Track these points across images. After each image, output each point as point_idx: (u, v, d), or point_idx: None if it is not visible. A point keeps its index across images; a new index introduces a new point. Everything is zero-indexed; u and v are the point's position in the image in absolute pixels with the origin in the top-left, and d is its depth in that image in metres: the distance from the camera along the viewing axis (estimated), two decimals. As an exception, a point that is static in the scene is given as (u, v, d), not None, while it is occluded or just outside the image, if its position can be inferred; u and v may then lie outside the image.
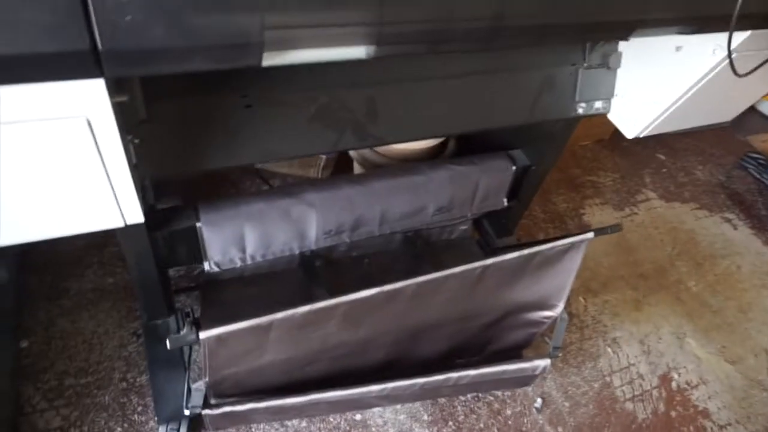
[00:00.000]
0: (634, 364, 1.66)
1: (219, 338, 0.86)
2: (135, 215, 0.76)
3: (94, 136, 0.57)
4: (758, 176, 2.43)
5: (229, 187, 1.82)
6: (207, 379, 0.98)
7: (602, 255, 1.95)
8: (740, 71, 0.91)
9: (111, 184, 0.67)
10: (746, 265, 2.07)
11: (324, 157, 1.85)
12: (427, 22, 0.60)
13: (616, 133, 2.43)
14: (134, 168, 0.77)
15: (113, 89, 0.59)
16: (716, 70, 0.97)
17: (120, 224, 0.75)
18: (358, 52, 0.62)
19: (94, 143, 0.58)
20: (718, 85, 1.00)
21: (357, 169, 1.75)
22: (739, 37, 0.89)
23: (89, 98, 0.53)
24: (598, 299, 1.81)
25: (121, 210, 0.73)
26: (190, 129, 0.83)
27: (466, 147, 1.68)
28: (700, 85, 1.00)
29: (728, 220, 2.23)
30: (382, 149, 1.60)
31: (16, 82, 0.49)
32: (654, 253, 2.02)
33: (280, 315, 0.89)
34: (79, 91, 0.52)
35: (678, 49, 1.01)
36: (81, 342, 1.36)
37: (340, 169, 1.91)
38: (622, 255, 1.98)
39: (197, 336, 0.83)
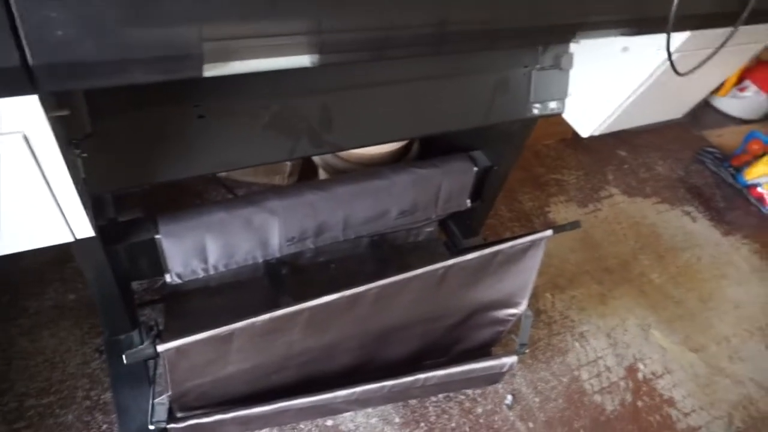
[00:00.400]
0: (601, 357, 1.70)
1: (178, 350, 0.85)
2: (84, 230, 0.75)
3: (32, 151, 0.57)
4: (715, 170, 2.50)
5: (194, 197, 1.80)
6: (170, 393, 0.97)
7: (568, 251, 1.99)
8: (683, 70, 0.95)
9: (55, 199, 0.66)
10: (706, 256, 2.13)
11: (289, 164, 1.85)
12: (370, 30, 0.61)
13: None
14: (83, 182, 0.77)
15: (52, 104, 0.58)
16: (661, 69, 0.99)
17: (69, 239, 0.74)
18: (301, 60, 0.62)
19: (33, 159, 0.58)
20: (664, 83, 1.03)
21: (322, 175, 1.75)
22: (680, 37, 0.92)
23: (24, 114, 0.52)
24: (565, 295, 1.84)
25: (69, 225, 0.72)
26: (141, 141, 0.82)
27: (429, 150, 1.69)
28: (647, 84, 1.03)
29: (688, 213, 2.30)
30: (344, 154, 1.61)
31: (-55, 100, 0.48)
32: (618, 247, 2.07)
33: (240, 324, 0.88)
34: (13, 107, 0.51)
35: (624, 50, 1.04)
36: (42, 361, 1.33)
37: (306, 175, 1.91)
38: (587, 251, 2.02)
39: (155, 349, 0.82)
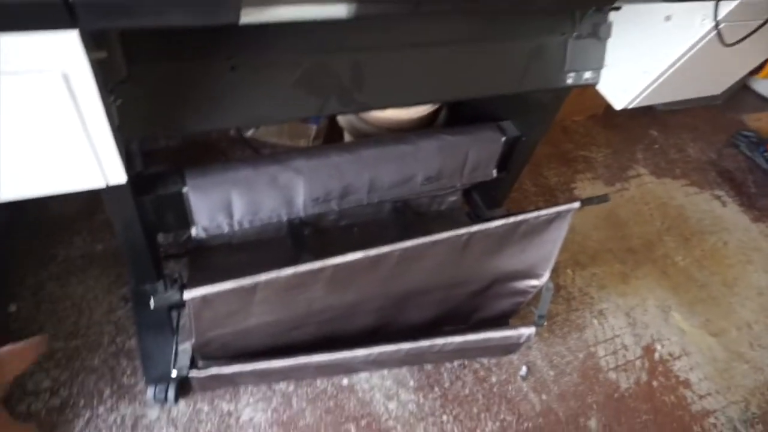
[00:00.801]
0: (618, 336, 1.69)
1: (204, 299, 0.87)
2: (117, 176, 0.76)
3: (71, 91, 0.57)
4: (749, 154, 2.43)
5: (219, 156, 1.82)
6: (193, 341, 0.99)
7: (592, 229, 1.97)
8: (729, 41, 0.91)
9: (91, 142, 0.67)
10: (733, 241, 2.08)
11: (314, 127, 1.85)
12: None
13: (609, 109, 2.41)
14: (117, 129, 0.77)
15: (91, 44, 0.58)
16: (705, 40, 0.96)
17: (102, 184, 0.76)
18: (338, 10, 0.61)
19: (72, 99, 0.58)
20: (707, 55, 1.00)
21: (347, 138, 1.75)
22: (727, 6, 0.88)
23: (64, 51, 0.53)
24: (586, 272, 1.83)
25: (102, 170, 0.73)
26: (174, 91, 0.82)
27: (457, 117, 1.67)
28: (689, 55, 1.00)
29: (718, 197, 2.25)
30: (372, 119, 1.60)
31: (-11, 31, 0.48)
32: (643, 227, 2.04)
33: (264, 277, 0.90)
34: (54, 43, 0.52)
35: (667, 18, 1.00)
36: (70, 306, 1.37)
37: (331, 139, 1.90)
38: (611, 229, 1.99)
39: (182, 296, 0.84)
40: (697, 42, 0.96)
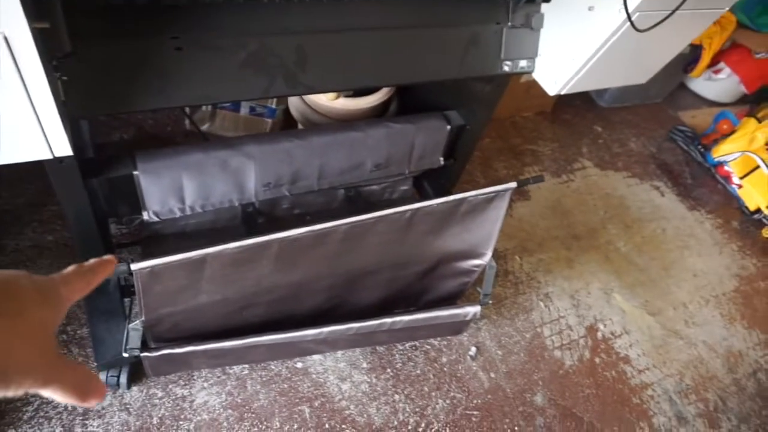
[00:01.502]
0: (563, 317, 1.78)
1: (152, 271, 0.90)
2: (63, 148, 0.78)
3: (12, 54, 0.60)
4: (686, 148, 2.58)
5: (174, 149, 1.82)
6: (143, 318, 1.01)
7: (539, 218, 2.06)
8: (641, 28, 1.00)
9: (35, 111, 0.70)
10: (671, 228, 2.21)
11: (270, 121, 1.88)
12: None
13: (557, 106, 2.55)
14: (62, 104, 0.80)
15: (32, 12, 0.61)
16: (623, 28, 1.04)
17: (47, 156, 0.78)
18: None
19: (13, 62, 0.61)
20: (627, 42, 1.08)
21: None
22: (640, -5, 0.97)
23: (4, 12, 0.55)
24: (533, 258, 1.91)
25: (48, 141, 0.76)
26: (119, 69, 0.85)
27: (406, 108, 1.73)
28: (610, 42, 1.08)
29: (657, 188, 2.38)
30: (324, 110, 1.64)
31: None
32: (587, 216, 2.14)
33: (212, 249, 0.93)
34: (-5, 6, 0.54)
35: (590, 8, 1.09)
36: (20, 296, 1.36)
37: (286, 133, 1.94)
38: (557, 218, 2.09)
39: (129, 267, 0.86)
40: (617, 30, 1.04)
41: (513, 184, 1.20)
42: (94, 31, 0.82)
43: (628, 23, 1.03)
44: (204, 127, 1.84)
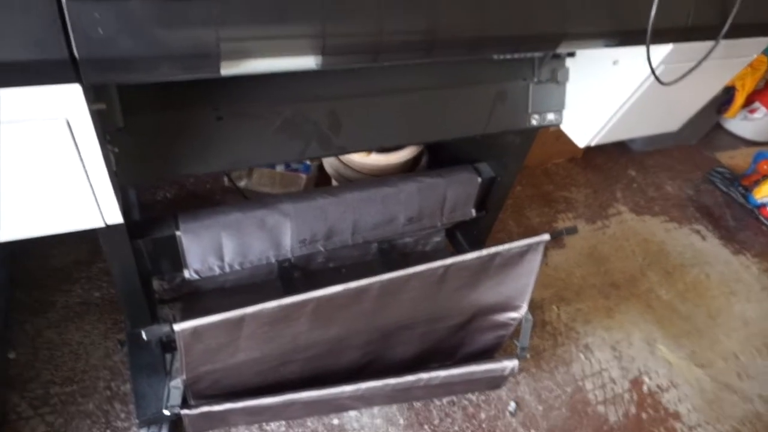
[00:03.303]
0: (606, 369, 1.72)
1: (194, 331, 0.93)
2: (114, 216, 0.83)
3: (73, 136, 0.65)
4: (725, 190, 2.52)
5: (213, 206, 1.89)
6: (184, 376, 1.04)
7: (575, 266, 2.03)
8: (667, 80, 1.01)
9: (91, 184, 0.75)
10: (715, 273, 2.14)
11: (305, 176, 1.94)
12: (366, 36, 0.69)
13: (588, 152, 2.54)
14: (114, 174, 0.85)
15: (91, 96, 0.67)
16: (649, 82, 1.06)
17: (100, 224, 0.83)
18: (308, 62, 0.70)
19: (73, 143, 0.66)
20: (653, 94, 1.09)
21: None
22: (663, 50, 0.98)
23: (68, 101, 0.61)
24: (571, 308, 1.88)
25: (101, 210, 0.81)
26: (166, 139, 0.91)
27: (437, 161, 1.77)
28: (636, 95, 1.09)
29: (697, 232, 2.32)
30: (357, 165, 1.69)
31: (6, 85, 0.56)
32: (625, 263, 2.10)
33: (250, 309, 0.96)
34: (60, 94, 0.60)
35: (615, 62, 1.11)
36: (67, 352, 1.41)
37: (321, 187, 1.99)
38: (594, 265, 2.05)
39: (172, 328, 0.89)
40: (642, 83, 1.05)
41: (546, 237, 1.20)
42: (142, 106, 0.88)
43: (651, 77, 1.04)
44: (241, 184, 1.91)
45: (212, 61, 0.64)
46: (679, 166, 2.66)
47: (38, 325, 1.45)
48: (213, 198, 1.93)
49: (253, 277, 1.46)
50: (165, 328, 0.89)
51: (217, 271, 1.27)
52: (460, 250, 1.73)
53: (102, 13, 0.55)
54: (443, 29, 0.74)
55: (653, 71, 0.94)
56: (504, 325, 1.38)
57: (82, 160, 0.70)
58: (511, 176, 1.51)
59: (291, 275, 1.47)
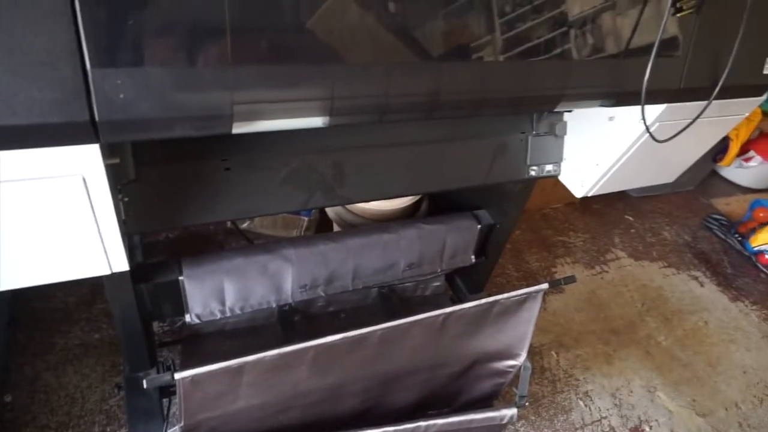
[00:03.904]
0: (606, 417, 1.70)
1: (193, 379, 0.93)
2: (121, 264, 0.85)
3: (88, 191, 0.68)
4: (722, 236, 2.55)
5: (215, 247, 1.91)
6: (182, 423, 1.03)
7: (574, 311, 2.03)
8: (661, 138, 1.05)
9: (101, 235, 0.77)
10: (713, 320, 2.14)
11: (306, 219, 1.96)
12: (371, 97, 0.72)
13: (586, 197, 2.58)
14: (122, 222, 0.87)
15: (107, 153, 0.69)
16: (644, 138, 1.09)
17: (107, 272, 0.84)
18: (315, 121, 0.73)
19: (87, 198, 0.69)
20: (648, 149, 1.13)
21: (336, 229, 1.86)
22: (657, 109, 1.02)
23: (86, 160, 0.64)
24: (570, 354, 1.87)
25: (108, 259, 0.83)
26: (175, 189, 0.93)
27: (437, 208, 1.79)
28: (631, 150, 1.13)
29: (695, 278, 2.33)
30: (358, 210, 1.72)
31: (26, 147, 0.59)
32: (624, 309, 2.10)
33: (251, 358, 0.96)
34: (78, 154, 0.63)
35: (611, 119, 1.15)
36: (64, 396, 1.40)
37: (321, 230, 2.02)
38: (593, 311, 2.05)
39: (172, 376, 0.89)
40: (637, 140, 1.09)
41: (545, 286, 1.22)
42: (153, 157, 0.91)
43: (646, 134, 1.08)
44: (244, 226, 1.93)
45: (225, 121, 0.67)
46: (676, 211, 2.70)
47: (37, 368, 1.44)
48: (216, 239, 1.95)
49: (253, 320, 1.47)
50: (166, 377, 0.89)
51: (218, 315, 1.28)
52: (459, 295, 1.74)
53: (124, 79, 0.59)
54: (445, 92, 0.77)
55: (648, 129, 0.97)
56: (503, 372, 1.37)
57: (93, 211, 0.72)
58: (511, 223, 1.53)
59: (291, 319, 1.48)
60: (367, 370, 1.18)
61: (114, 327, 1.54)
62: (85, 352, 1.50)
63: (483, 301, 1.16)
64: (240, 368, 0.97)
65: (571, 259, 2.26)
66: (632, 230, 2.52)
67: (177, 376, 0.90)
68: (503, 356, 1.33)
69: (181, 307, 1.25)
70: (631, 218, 2.59)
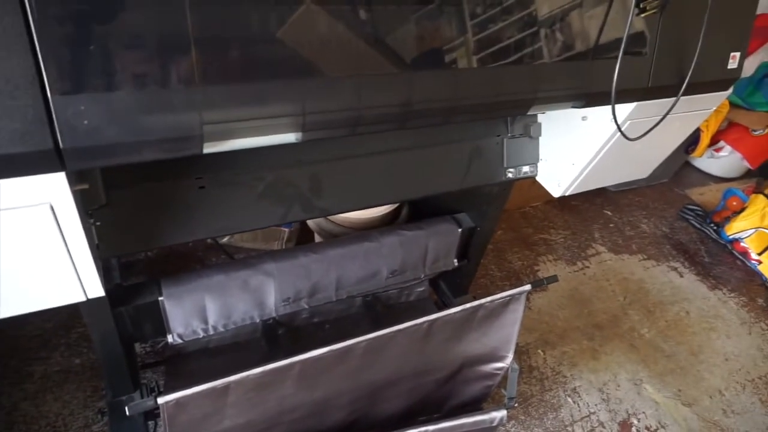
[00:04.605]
0: (594, 413, 1.72)
1: (177, 403, 0.91)
2: (96, 290, 0.82)
3: (56, 219, 0.66)
4: (698, 226, 2.60)
5: (195, 263, 1.89)
6: (168, 448, 1.01)
7: (558, 308, 2.04)
8: (633, 135, 1.06)
9: (73, 262, 0.75)
10: (694, 310, 2.18)
11: (287, 230, 1.95)
12: (343, 111, 0.72)
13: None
14: (95, 247, 0.86)
15: (74, 179, 0.68)
16: (617, 136, 1.11)
17: (82, 299, 0.82)
18: (288, 137, 0.73)
19: (56, 226, 0.67)
20: (621, 147, 1.14)
21: (318, 240, 1.85)
22: (628, 108, 1.03)
23: (52, 188, 0.62)
24: (557, 351, 1.88)
25: (83, 285, 0.80)
26: (149, 210, 0.92)
27: (418, 213, 1.79)
28: (605, 149, 1.14)
29: (674, 269, 2.37)
30: (338, 219, 1.71)
31: (-9, 177, 0.57)
32: (607, 303, 2.12)
33: (235, 377, 0.94)
34: (44, 182, 0.61)
35: (584, 118, 1.16)
36: (44, 425, 1.37)
37: (303, 241, 2.00)
38: (576, 307, 2.07)
39: (155, 401, 0.88)
40: (609, 138, 1.10)
41: (527, 287, 1.22)
42: (124, 179, 0.89)
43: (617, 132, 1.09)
44: (224, 241, 1.91)
45: (195, 142, 0.66)
46: (652, 204, 2.74)
47: (15, 397, 1.40)
48: (195, 255, 1.92)
49: (237, 336, 1.45)
50: (149, 402, 0.88)
51: (201, 334, 1.26)
52: (444, 299, 1.74)
53: (88, 105, 0.57)
54: (417, 102, 0.77)
55: (620, 129, 0.98)
56: (491, 375, 1.38)
57: (64, 239, 0.70)
58: (491, 225, 1.53)
59: (275, 333, 1.46)
60: (353, 382, 1.17)
61: (94, 351, 1.51)
62: (65, 378, 1.47)
63: (467, 305, 1.16)
64: (225, 388, 0.95)
65: (553, 257, 2.28)
66: (611, 224, 2.55)
67: (160, 400, 0.88)
68: (490, 359, 1.34)
69: (162, 328, 1.23)
70: (609, 213, 2.62)
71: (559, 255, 2.30)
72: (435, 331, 1.18)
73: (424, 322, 1.13)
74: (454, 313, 1.17)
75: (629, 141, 1.07)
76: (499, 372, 1.36)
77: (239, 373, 0.95)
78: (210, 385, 0.93)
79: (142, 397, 1.30)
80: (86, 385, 1.47)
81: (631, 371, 1.87)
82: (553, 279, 1.27)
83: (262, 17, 0.64)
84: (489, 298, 1.19)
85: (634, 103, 1.03)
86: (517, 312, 1.26)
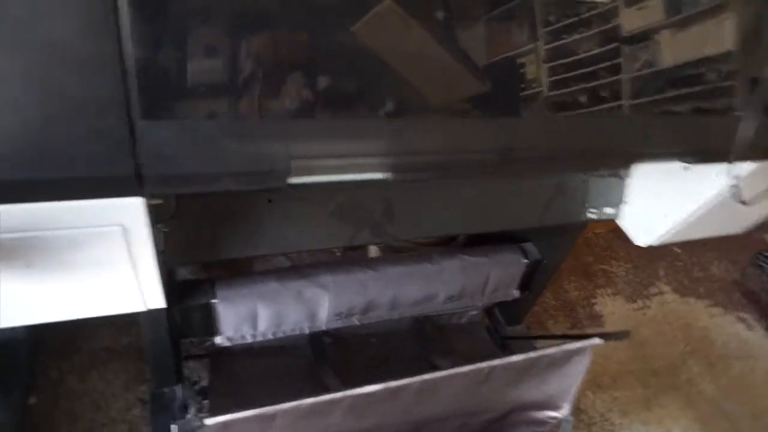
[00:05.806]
0: (642, 469, 1.62)
1: (224, 425, 0.88)
2: (156, 301, 0.80)
3: (126, 239, 0.62)
4: (774, 276, 2.41)
5: (247, 260, 1.87)
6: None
7: (612, 349, 1.93)
8: (747, 197, 0.95)
9: (137, 276, 0.72)
10: (760, 368, 2.02)
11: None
12: (440, 153, 0.65)
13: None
14: (160, 254, 0.82)
15: (150, 197, 0.64)
16: (725, 194, 1.00)
17: (141, 309, 0.80)
18: (376, 176, 0.67)
19: (125, 245, 0.63)
20: (728, 205, 1.03)
21: (372, 247, 1.79)
22: (744, 167, 0.93)
23: (128, 212, 0.58)
24: (607, 395, 1.78)
25: (143, 297, 0.78)
26: (215, 221, 0.88)
27: (479, 235, 1.71)
28: (709, 206, 1.03)
29: (743, 320, 2.20)
30: (397, 231, 1.65)
31: (65, 199, 0.54)
32: (666, 349, 2.00)
33: (285, 406, 0.90)
34: (119, 205, 0.57)
35: (685, 168, 1.05)
36: (88, 402, 1.38)
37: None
38: (633, 349, 1.95)
39: (203, 422, 0.85)
40: (715, 196, 0.99)
41: (597, 341, 1.14)
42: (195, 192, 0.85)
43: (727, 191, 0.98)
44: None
45: (279, 176, 0.60)
46: (725, 245, 2.56)
47: (61, 370, 1.42)
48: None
49: (283, 340, 1.41)
50: (196, 423, 0.85)
51: (249, 339, 1.23)
52: (497, 326, 1.66)
53: (174, 132, 0.53)
54: (520, 148, 0.70)
55: (735, 190, 0.88)
56: (542, 422, 1.30)
57: (131, 257, 0.67)
58: (559, 259, 1.45)
59: (321, 341, 1.43)
60: (401, 417, 1.12)
61: (142, 339, 1.51)
62: (111, 357, 1.48)
63: (531, 354, 1.09)
64: (273, 415, 0.91)
65: (612, 290, 2.16)
66: (678, 263, 2.39)
67: (207, 422, 0.85)
68: (544, 406, 1.26)
69: (212, 329, 1.21)
70: (678, 250, 2.46)
71: (619, 289, 2.18)
72: (494, 375, 1.11)
73: (485, 368, 1.06)
74: (518, 360, 1.09)
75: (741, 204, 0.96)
76: (551, 421, 1.28)
77: (289, 402, 0.91)
78: (258, 412, 0.89)
79: (183, 392, 1.29)
80: (130, 366, 1.47)
81: (686, 429, 1.75)
82: (625, 335, 1.18)
83: (368, 55, 0.58)
84: (554, 349, 1.11)
85: (753, 164, 0.92)
86: (581, 364, 1.17)
